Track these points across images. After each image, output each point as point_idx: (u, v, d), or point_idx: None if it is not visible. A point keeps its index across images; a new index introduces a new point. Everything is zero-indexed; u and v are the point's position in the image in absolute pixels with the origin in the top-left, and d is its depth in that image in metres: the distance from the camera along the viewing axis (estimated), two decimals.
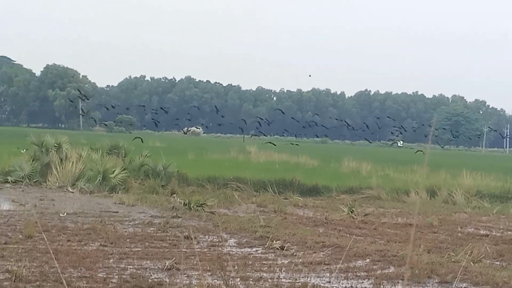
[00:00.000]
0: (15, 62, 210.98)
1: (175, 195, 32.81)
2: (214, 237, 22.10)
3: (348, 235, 23.40)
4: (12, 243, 18.84)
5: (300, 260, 18.63)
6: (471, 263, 18.98)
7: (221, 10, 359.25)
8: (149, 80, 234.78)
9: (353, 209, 29.26)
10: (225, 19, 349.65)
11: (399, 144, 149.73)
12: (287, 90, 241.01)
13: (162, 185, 35.45)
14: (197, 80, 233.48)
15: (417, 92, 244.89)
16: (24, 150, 40.88)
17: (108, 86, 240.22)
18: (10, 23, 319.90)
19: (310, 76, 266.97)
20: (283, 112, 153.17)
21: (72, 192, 33.39)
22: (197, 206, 28.14)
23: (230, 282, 15.38)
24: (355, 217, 28.36)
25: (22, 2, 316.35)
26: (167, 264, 16.74)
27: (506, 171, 50.79)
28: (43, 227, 21.52)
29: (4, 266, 15.63)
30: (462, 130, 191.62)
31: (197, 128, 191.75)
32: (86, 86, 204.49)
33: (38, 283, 14.52)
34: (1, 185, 33.90)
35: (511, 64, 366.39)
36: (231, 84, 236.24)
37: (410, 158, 64.31)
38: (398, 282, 16.58)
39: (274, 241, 20.59)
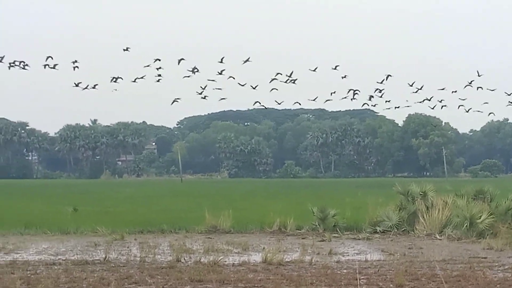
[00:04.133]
0: (378, 114, 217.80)
1: None
2: None
3: None
4: None
5: None
6: None
7: None
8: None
9: None
10: None
11: None
12: None
13: None
14: None
15: None
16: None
17: (471, 130, 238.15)
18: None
19: None
20: None
21: (440, 240, 33.42)
22: None
23: None
24: None
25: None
26: None
27: None
28: (412, 276, 21.83)
29: None
30: None
31: None
32: (449, 133, 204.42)
33: None
34: (370, 235, 34.91)
35: None
36: None
37: None
38: None
39: None
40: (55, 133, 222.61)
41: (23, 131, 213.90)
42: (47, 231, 34.93)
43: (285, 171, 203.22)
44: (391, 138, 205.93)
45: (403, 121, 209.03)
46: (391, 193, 42.08)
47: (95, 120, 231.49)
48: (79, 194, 77.91)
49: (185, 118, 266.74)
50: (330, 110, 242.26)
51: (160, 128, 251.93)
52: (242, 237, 34.13)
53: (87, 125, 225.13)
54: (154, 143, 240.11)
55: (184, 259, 25.62)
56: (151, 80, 39.63)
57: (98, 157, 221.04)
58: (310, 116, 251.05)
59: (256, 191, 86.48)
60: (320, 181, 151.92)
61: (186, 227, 36.90)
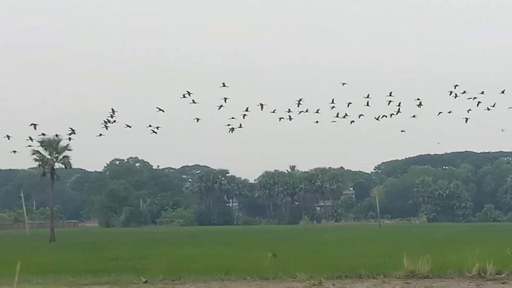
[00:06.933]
0: None
1: None
2: None
3: None
4: None
5: None
6: None
7: None
8: None
9: None
10: None
11: None
12: None
13: None
14: None
15: None
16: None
17: None
18: None
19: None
20: None
21: None
22: None
23: None
24: None
25: None
26: None
27: None
28: None
29: None
30: None
31: None
32: None
33: None
34: None
35: None
36: None
37: None
38: None
39: None
40: (255, 180, 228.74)
41: (223, 178, 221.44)
42: (247, 277, 35.92)
43: (485, 215, 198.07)
44: None
45: None
46: None
47: (294, 166, 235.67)
48: (278, 239, 79.54)
49: (382, 163, 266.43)
50: None
51: (357, 173, 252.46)
52: (441, 281, 33.70)
53: (285, 171, 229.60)
54: (351, 188, 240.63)
55: None
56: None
57: (297, 203, 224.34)
58: (510, 159, 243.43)
59: (455, 235, 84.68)
60: None
61: (384, 272, 36.85)
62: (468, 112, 51.88)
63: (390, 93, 51.54)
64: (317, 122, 52.60)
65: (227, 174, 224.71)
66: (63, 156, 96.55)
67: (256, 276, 36.16)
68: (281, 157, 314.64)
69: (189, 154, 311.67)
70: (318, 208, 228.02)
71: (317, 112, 50.82)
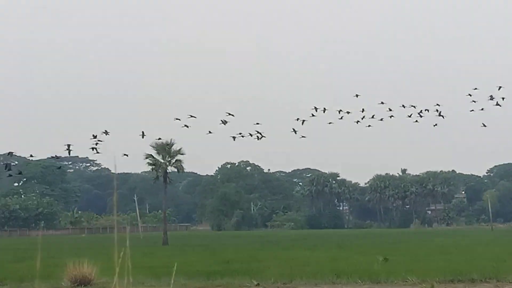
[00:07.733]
0: None
1: None
2: None
3: None
4: None
5: None
6: None
7: None
8: None
9: None
10: None
11: None
12: None
13: None
14: None
15: None
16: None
17: None
18: None
19: None
20: None
21: None
22: None
23: None
24: None
25: None
26: None
27: None
28: None
29: None
30: None
31: None
32: None
33: None
34: None
35: None
36: None
37: None
38: None
39: None
40: (365, 183, 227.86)
41: (334, 182, 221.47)
42: (358, 280, 35.99)
43: None
44: None
45: None
46: None
47: (405, 170, 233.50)
48: (389, 243, 79.10)
49: (495, 166, 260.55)
50: None
51: (469, 176, 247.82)
52: None
53: (396, 174, 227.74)
54: (463, 192, 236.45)
55: None
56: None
57: (408, 206, 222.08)
58: None
59: None
60: None
61: (497, 277, 36.32)
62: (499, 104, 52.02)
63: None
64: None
65: (338, 178, 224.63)
66: (176, 160, 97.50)
67: (367, 279, 36.20)
68: (392, 161, 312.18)
69: (300, 157, 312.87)
70: (429, 212, 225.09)
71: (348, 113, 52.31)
